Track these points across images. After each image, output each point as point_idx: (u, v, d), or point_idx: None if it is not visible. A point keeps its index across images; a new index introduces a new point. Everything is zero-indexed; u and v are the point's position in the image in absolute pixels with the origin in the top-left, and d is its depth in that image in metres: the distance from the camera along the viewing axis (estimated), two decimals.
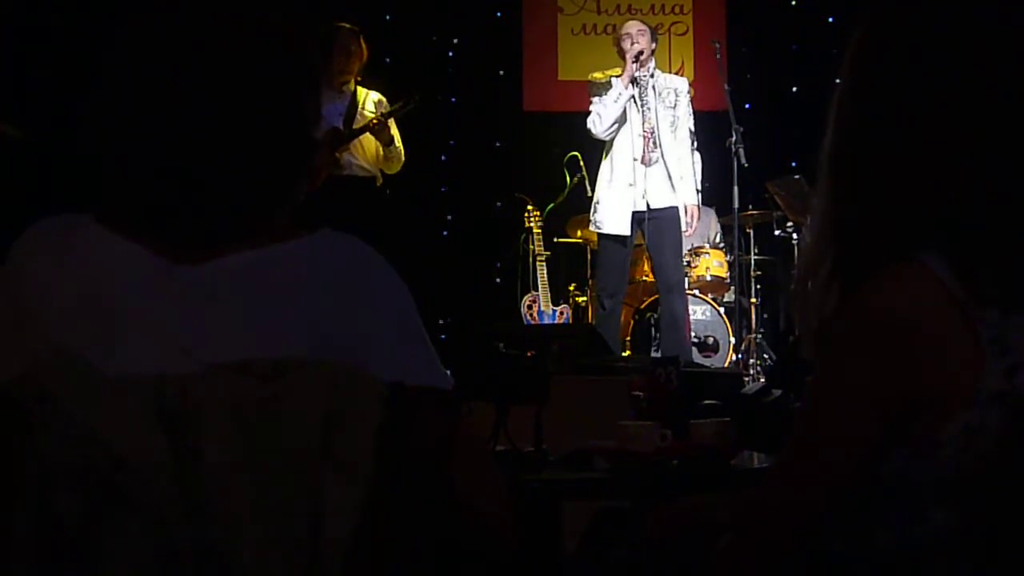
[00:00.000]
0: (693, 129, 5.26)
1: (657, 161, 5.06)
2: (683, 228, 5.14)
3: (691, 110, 5.26)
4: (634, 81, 5.06)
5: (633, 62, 5.05)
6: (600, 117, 5.09)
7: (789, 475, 1.13)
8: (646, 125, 5.08)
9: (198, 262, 1.00)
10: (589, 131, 5.16)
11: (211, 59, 1.03)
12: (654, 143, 5.08)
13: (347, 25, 5.04)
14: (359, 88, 5.09)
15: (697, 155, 5.38)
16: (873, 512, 1.11)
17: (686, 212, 5.15)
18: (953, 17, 1.12)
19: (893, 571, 1.10)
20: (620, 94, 5.05)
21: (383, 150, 5.03)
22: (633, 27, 5.25)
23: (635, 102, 5.08)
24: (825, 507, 1.11)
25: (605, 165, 5.19)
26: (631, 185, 5.03)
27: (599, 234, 5.20)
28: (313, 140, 1.12)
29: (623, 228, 5.05)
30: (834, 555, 1.14)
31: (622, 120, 5.09)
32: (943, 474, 1.07)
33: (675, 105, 5.15)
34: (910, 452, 1.07)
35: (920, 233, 1.09)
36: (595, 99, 5.18)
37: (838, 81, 1.18)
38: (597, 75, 5.31)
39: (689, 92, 5.29)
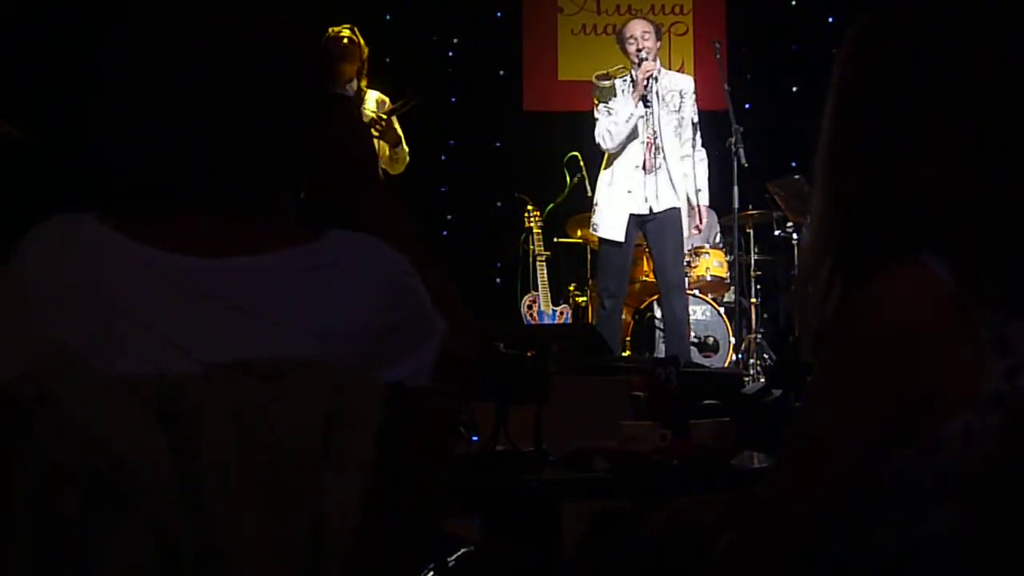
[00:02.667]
0: (697, 121, 5.16)
1: (660, 167, 4.98)
2: (688, 228, 5.08)
3: (696, 108, 5.18)
4: (644, 99, 4.96)
5: (644, 83, 4.94)
6: (611, 134, 5.03)
7: (789, 475, 1.13)
8: (649, 132, 4.99)
9: (202, 260, 1.00)
10: (599, 145, 5.12)
11: (216, 54, 1.03)
12: (657, 149, 5.00)
13: (333, 30, 5.00)
14: (365, 87, 5.08)
15: (703, 152, 5.30)
16: (873, 512, 1.11)
17: (693, 212, 5.09)
18: (952, 16, 1.12)
19: (893, 571, 1.10)
20: (632, 114, 4.97)
21: (390, 151, 5.02)
22: (638, 28, 5.12)
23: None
24: (825, 507, 1.10)
25: (606, 169, 5.16)
26: (630, 192, 4.99)
27: (598, 236, 5.20)
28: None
29: (619, 234, 5.02)
30: (834, 555, 1.14)
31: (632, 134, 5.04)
32: (943, 474, 1.07)
33: (679, 108, 5.07)
34: (910, 452, 1.07)
35: (919, 233, 1.09)
36: (600, 106, 5.10)
37: (833, 80, 1.18)
38: (603, 80, 5.23)
39: (695, 92, 5.18)
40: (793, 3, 7.53)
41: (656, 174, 4.97)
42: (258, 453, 0.92)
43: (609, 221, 5.06)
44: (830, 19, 7.06)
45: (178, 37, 1.04)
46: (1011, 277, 1.07)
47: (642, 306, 5.90)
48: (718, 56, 5.97)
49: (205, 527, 0.90)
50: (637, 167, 5.00)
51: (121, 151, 1.05)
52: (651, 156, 5.00)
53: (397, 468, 0.98)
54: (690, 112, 5.14)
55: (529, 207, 6.22)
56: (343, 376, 0.96)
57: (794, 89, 7.23)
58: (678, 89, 5.11)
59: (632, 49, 5.05)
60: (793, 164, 6.33)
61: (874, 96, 1.13)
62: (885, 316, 1.06)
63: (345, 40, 4.97)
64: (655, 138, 4.99)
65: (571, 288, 6.43)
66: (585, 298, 6.22)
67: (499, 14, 7.47)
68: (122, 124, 1.04)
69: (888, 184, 1.11)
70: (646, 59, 4.98)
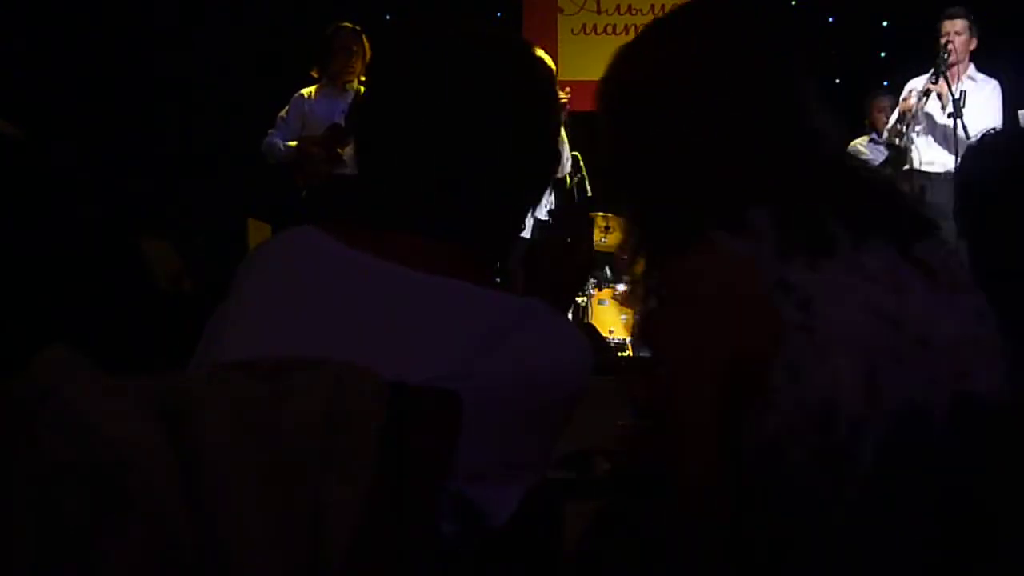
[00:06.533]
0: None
1: None
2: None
3: None
4: None
5: None
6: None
7: (672, 457, 1.21)
8: None
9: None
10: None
11: (460, 100, 1.16)
12: None
13: (349, 24, 5.04)
14: (362, 87, 5.09)
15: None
16: (751, 485, 1.16)
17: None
18: (721, 24, 1.30)
19: (788, 535, 1.15)
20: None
21: None
22: None
23: None
24: (708, 480, 1.17)
25: None
26: None
27: None
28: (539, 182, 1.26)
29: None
30: (739, 530, 1.18)
31: None
32: (779, 435, 1.13)
33: None
34: (753, 418, 1.14)
35: (708, 217, 1.21)
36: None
37: (614, 88, 1.35)
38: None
39: None
40: (793, 3, 7.54)
41: None
42: (259, 453, 0.92)
43: None
44: (830, 19, 7.06)
45: (432, 81, 1.16)
46: (794, 235, 1.18)
47: None
48: None
49: (205, 527, 0.91)
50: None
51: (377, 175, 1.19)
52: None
53: (397, 468, 0.99)
54: None
55: None
56: (343, 376, 0.96)
57: None
58: None
59: None
60: None
61: (656, 101, 1.29)
62: (695, 288, 1.19)
63: (354, 34, 5.01)
64: None
65: None
66: (584, 298, 6.23)
67: (499, 14, 7.46)
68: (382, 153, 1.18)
69: (678, 182, 1.27)
70: None
